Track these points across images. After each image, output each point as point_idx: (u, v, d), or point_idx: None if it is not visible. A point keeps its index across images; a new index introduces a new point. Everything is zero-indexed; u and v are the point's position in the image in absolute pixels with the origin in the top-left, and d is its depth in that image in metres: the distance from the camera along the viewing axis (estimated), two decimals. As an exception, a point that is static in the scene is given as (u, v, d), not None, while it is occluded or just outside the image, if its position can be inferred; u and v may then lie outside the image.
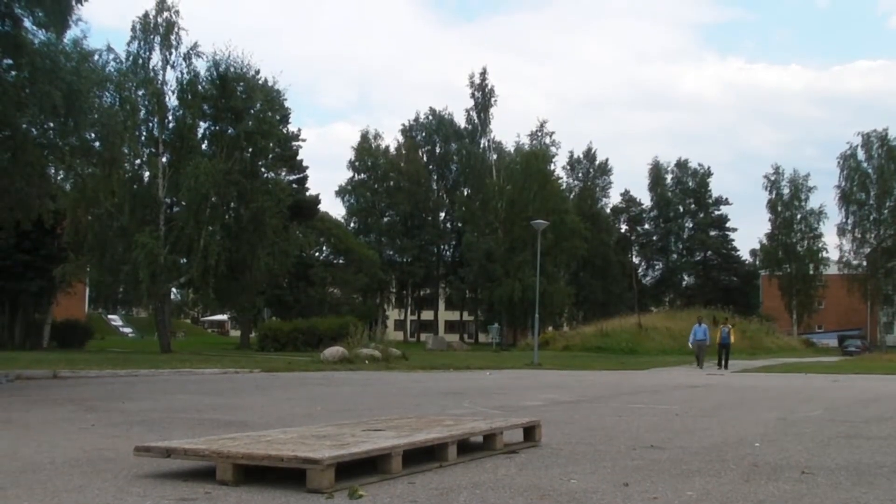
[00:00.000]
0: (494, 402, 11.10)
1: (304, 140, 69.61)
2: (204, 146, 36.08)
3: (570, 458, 5.60)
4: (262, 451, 4.39)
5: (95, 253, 33.74)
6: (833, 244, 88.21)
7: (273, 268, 37.12)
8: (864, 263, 64.48)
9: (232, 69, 36.03)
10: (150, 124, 34.80)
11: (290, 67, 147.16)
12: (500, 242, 57.52)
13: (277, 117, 39.03)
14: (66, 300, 43.14)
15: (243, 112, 35.62)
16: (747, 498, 4.31)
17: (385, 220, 69.10)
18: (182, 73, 35.29)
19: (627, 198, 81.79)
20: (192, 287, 38.77)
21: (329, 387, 14.14)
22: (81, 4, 17.19)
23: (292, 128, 50.92)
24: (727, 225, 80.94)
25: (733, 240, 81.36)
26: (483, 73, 66.58)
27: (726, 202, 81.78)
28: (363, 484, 4.31)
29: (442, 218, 72.88)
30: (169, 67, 34.96)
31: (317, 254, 56.32)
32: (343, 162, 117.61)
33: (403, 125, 74.49)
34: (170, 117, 35.14)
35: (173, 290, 41.52)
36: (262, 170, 37.65)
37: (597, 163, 75.62)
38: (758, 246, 73.46)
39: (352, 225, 67.82)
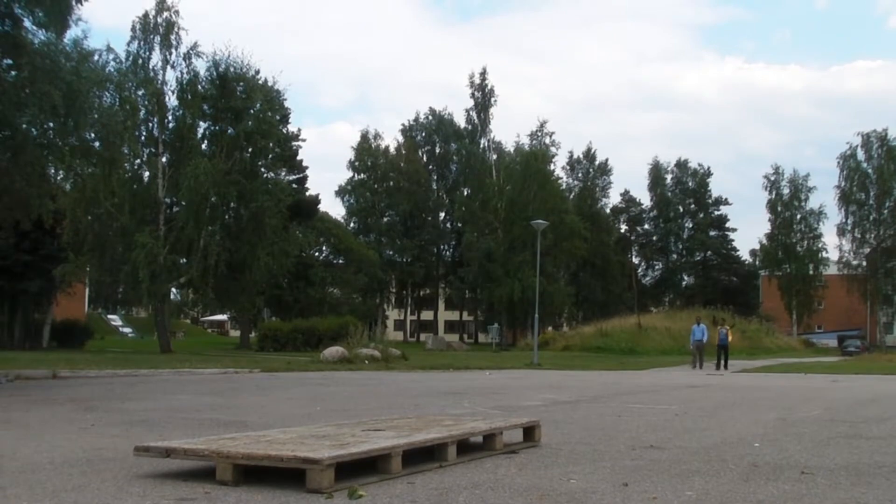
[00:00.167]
0: (494, 402, 11.10)
1: (303, 140, 69.74)
2: (204, 146, 36.08)
3: (570, 458, 5.60)
4: (262, 451, 4.39)
5: (95, 253, 33.74)
6: (833, 244, 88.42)
7: (273, 268, 37.11)
8: (864, 263, 64.50)
9: (232, 69, 36.03)
10: (150, 124, 34.81)
11: (290, 67, 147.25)
12: (500, 242, 57.52)
13: (277, 117, 39.04)
14: (66, 300, 43.12)
15: (243, 112, 35.60)
16: (747, 498, 4.31)
17: (385, 220, 69.09)
18: (182, 73, 35.31)
19: (627, 198, 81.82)
20: (192, 287, 38.76)
21: (329, 387, 14.15)
22: (81, 4, 17.19)
23: (292, 128, 50.99)
24: (727, 225, 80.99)
25: (733, 240, 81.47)
26: (483, 74, 66.66)
27: (726, 202, 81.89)
28: (363, 484, 4.31)
29: (442, 218, 72.88)
30: (169, 67, 34.98)
31: (316, 254, 56.31)
32: (343, 162, 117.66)
33: (403, 125, 74.58)
34: (169, 117, 35.14)
35: (173, 290, 41.47)
36: (262, 170, 37.63)
37: (596, 163, 75.63)
38: (757, 246, 73.52)
39: (351, 225, 67.80)
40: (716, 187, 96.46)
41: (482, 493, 4.28)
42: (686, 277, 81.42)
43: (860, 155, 64.69)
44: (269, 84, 37.58)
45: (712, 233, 80.00)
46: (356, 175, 69.31)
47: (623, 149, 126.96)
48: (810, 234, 69.29)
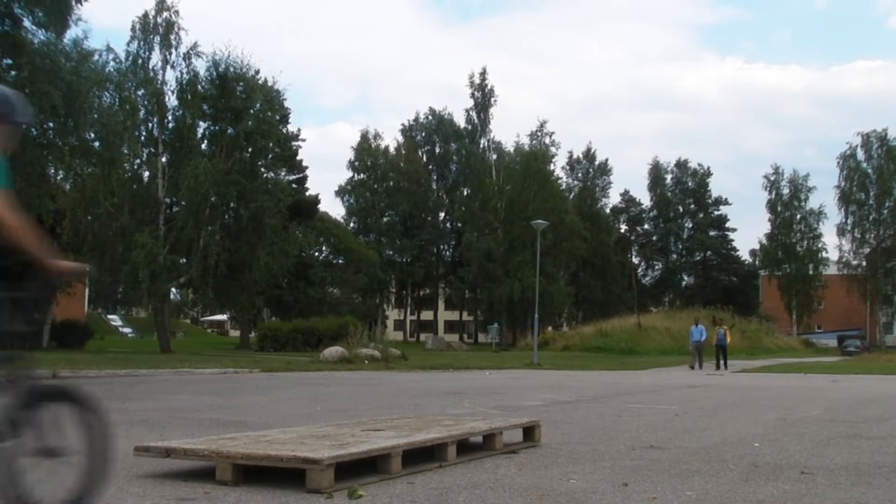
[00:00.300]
0: (494, 402, 11.10)
1: (303, 140, 69.69)
2: (203, 146, 36.07)
3: (570, 458, 5.60)
4: (262, 451, 4.39)
5: (95, 253, 33.72)
6: (832, 244, 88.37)
7: (272, 268, 37.10)
8: (864, 263, 64.50)
9: (231, 69, 36.02)
10: (150, 124, 34.80)
11: (290, 67, 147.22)
12: (500, 242, 57.52)
13: (277, 117, 39.03)
14: (66, 300, 43.07)
15: (243, 112, 35.59)
16: (746, 498, 4.31)
17: (385, 220, 69.09)
18: (182, 73, 35.31)
19: (627, 198, 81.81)
20: (192, 287, 38.77)
21: (329, 387, 14.14)
22: (81, 4, 17.25)
23: (292, 128, 50.96)
24: (727, 225, 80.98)
25: (733, 240, 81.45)
26: (483, 74, 66.65)
27: (726, 202, 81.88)
28: (363, 484, 4.31)
29: (441, 218, 72.88)
30: (168, 67, 34.98)
31: (316, 254, 56.31)
32: (343, 162, 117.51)
33: (403, 125, 74.57)
34: (169, 117, 35.14)
35: (173, 290, 41.51)
36: (262, 170, 37.64)
37: (596, 163, 75.63)
38: (757, 246, 73.54)
39: (351, 225, 67.80)
40: (716, 187, 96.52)
41: (482, 493, 4.28)
42: (686, 277, 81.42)
43: (860, 155, 64.74)
44: (269, 84, 37.58)
45: (712, 233, 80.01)
46: (356, 175, 69.32)
47: (623, 149, 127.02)
48: (810, 234, 69.31)
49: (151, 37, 34.73)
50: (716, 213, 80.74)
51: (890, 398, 13.40)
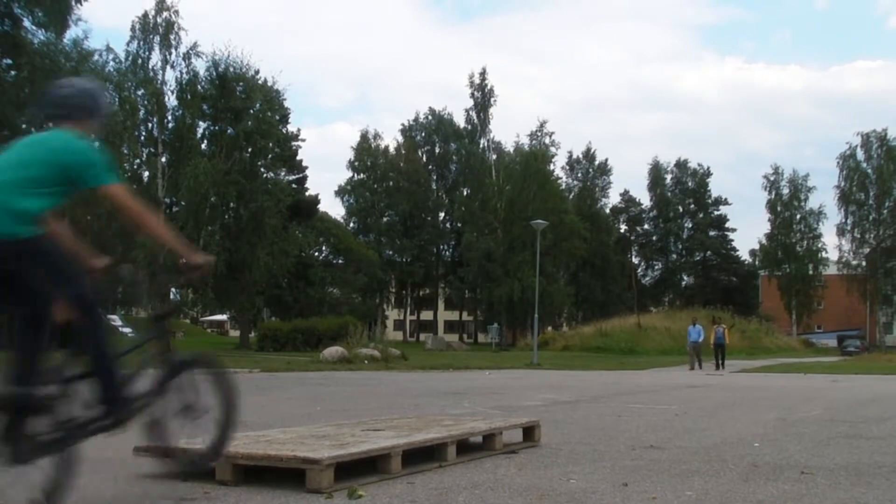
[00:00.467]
0: (494, 402, 11.10)
1: (303, 140, 69.56)
2: (203, 146, 36.12)
3: (570, 458, 5.60)
4: (262, 451, 4.39)
5: (94, 253, 33.77)
6: (832, 244, 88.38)
7: (272, 268, 37.14)
8: (864, 264, 64.52)
9: (231, 69, 36.06)
10: (150, 124, 34.86)
11: (290, 67, 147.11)
12: (500, 242, 57.54)
13: (277, 117, 39.06)
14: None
15: (243, 112, 35.62)
16: (746, 498, 4.31)
17: (384, 219, 69.09)
18: (181, 73, 35.38)
19: (627, 198, 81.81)
20: (192, 287, 38.78)
21: (328, 387, 14.14)
22: (81, 4, 17.28)
23: (292, 128, 50.92)
24: (726, 225, 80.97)
25: (733, 240, 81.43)
26: (483, 74, 66.64)
27: (726, 202, 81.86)
28: (362, 484, 4.31)
29: (441, 218, 72.88)
30: (168, 67, 35.07)
31: (316, 254, 56.33)
32: (342, 162, 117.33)
33: (403, 125, 74.54)
34: (169, 117, 35.19)
35: (172, 290, 41.51)
36: (262, 170, 37.68)
37: (596, 163, 75.62)
38: (757, 246, 73.56)
39: (351, 225, 67.80)
40: (715, 187, 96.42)
41: (482, 493, 4.28)
42: (686, 277, 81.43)
43: (860, 155, 64.78)
44: (269, 84, 37.61)
45: (712, 233, 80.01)
46: (356, 175, 69.32)
47: (623, 149, 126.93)
48: (810, 234, 69.32)
49: (151, 37, 34.80)
50: (716, 213, 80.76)
51: (890, 398, 13.40)
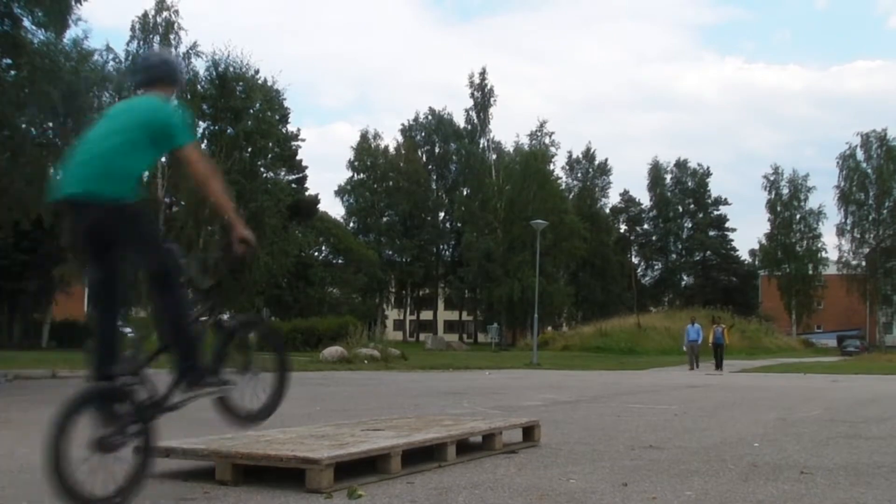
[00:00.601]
0: (493, 402, 11.11)
1: (303, 140, 69.57)
2: (203, 146, 36.11)
3: (569, 458, 5.60)
4: (261, 451, 4.39)
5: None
6: (832, 244, 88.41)
7: (272, 268, 37.14)
8: (863, 263, 64.52)
9: (231, 69, 36.10)
10: (150, 124, 34.85)
11: (290, 67, 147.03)
12: (500, 242, 57.53)
13: (277, 117, 39.08)
14: (65, 300, 43.10)
15: (242, 112, 35.63)
16: (746, 498, 4.31)
17: (384, 219, 69.09)
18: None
19: (627, 198, 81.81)
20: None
21: (328, 387, 14.14)
22: (81, 4, 17.21)
23: (291, 127, 50.94)
24: (726, 225, 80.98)
25: (732, 240, 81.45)
26: (482, 73, 66.65)
27: (725, 202, 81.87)
28: (362, 484, 4.31)
29: (441, 218, 72.87)
30: (168, 67, 35.03)
31: (316, 254, 56.32)
32: (342, 162, 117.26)
33: (403, 125, 74.55)
34: (169, 117, 35.19)
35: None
36: (262, 170, 37.69)
37: (596, 163, 75.63)
38: (757, 246, 73.56)
39: (351, 225, 67.79)
40: (715, 187, 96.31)
41: (481, 493, 4.28)
42: (685, 277, 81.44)
43: (859, 155, 64.78)
44: (269, 84, 37.61)
45: (712, 233, 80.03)
46: (356, 175, 69.31)
47: (623, 149, 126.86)
48: (810, 234, 69.33)
49: (151, 36, 34.81)
50: (715, 213, 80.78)
51: (890, 398, 13.40)
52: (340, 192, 69.34)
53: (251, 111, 35.80)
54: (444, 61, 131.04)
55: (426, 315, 77.39)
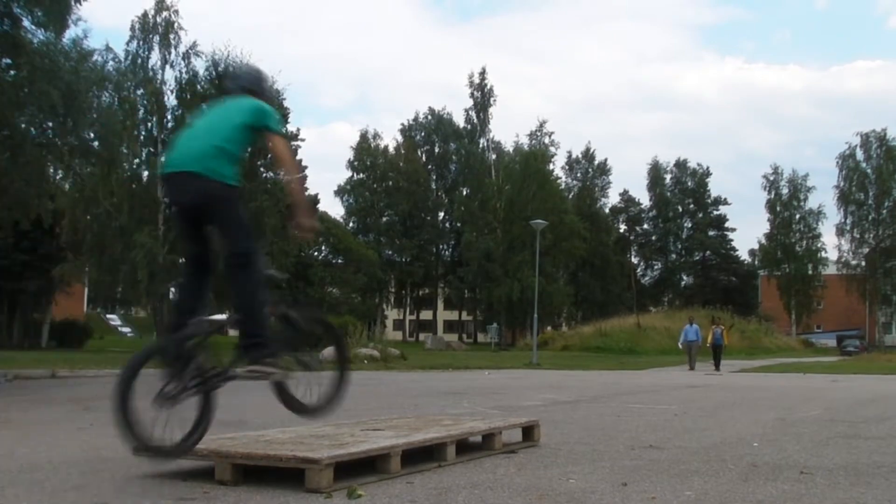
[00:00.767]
0: (493, 401, 11.10)
1: (303, 140, 69.55)
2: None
3: (569, 458, 5.60)
4: (261, 450, 4.39)
5: (94, 252, 33.75)
6: (832, 244, 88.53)
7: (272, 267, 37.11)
8: (863, 263, 64.57)
9: (231, 69, 36.04)
10: (149, 124, 34.83)
11: (289, 67, 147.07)
12: (499, 242, 57.55)
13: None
14: (65, 300, 43.11)
15: (242, 111, 35.60)
16: (746, 498, 4.31)
17: (384, 219, 69.13)
18: (181, 73, 35.36)
19: (626, 198, 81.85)
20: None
21: (328, 386, 14.11)
22: (80, 4, 17.21)
23: (291, 127, 50.88)
24: (726, 225, 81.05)
25: (732, 240, 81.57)
26: (482, 73, 66.74)
27: (725, 202, 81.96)
28: (362, 484, 4.31)
29: (441, 218, 72.90)
30: (168, 67, 35.05)
31: (315, 253, 56.32)
32: (342, 162, 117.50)
33: (402, 125, 74.61)
34: (169, 117, 35.17)
35: (172, 289, 41.48)
36: (261, 169, 37.65)
37: (596, 163, 75.70)
38: (756, 246, 73.63)
39: (351, 225, 67.83)
40: (715, 187, 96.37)
41: (481, 493, 4.28)
42: (685, 277, 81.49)
43: (859, 155, 64.85)
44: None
45: (711, 233, 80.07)
46: (355, 175, 69.35)
47: (623, 149, 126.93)
48: (809, 233, 69.38)
49: (151, 36, 34.80)
50: (715, 212, 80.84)
51: (889, 398, 13.41)
52: (340, 191, 69.42)
53: (251, 111, 35.85)
54: (444, 61, 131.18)
55: (426, 315, 77.42)
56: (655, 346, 43.55)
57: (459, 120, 70.20)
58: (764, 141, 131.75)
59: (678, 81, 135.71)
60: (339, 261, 58.39)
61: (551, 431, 6.97)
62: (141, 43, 34.59)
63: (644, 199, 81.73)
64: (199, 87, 35.51)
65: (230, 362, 4.36)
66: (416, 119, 73.91)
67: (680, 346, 28.62)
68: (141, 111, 34.03)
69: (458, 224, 68.77)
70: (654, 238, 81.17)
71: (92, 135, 18.19)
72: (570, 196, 69.53)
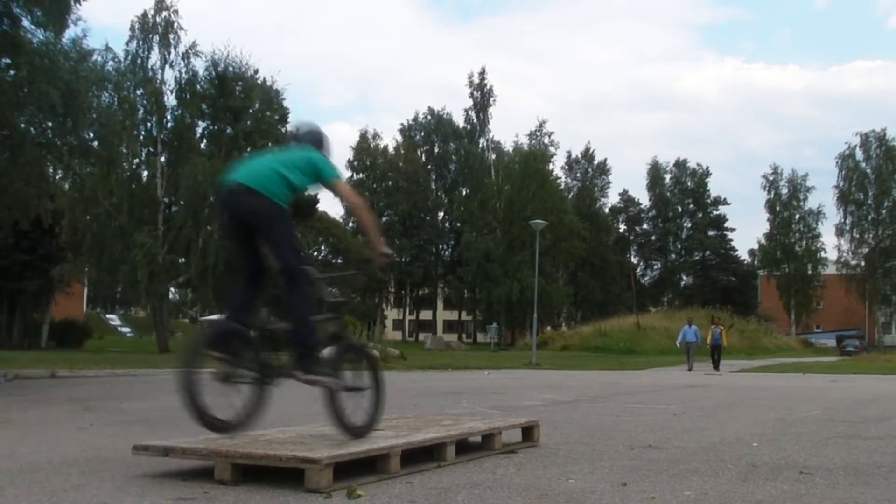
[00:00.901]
0: (493, 401, 11.11)
1: (302, 140, 69.64)
2: (202, 146, 36.07)
3: (569, 458, 5.60)
4: (261, 450, 4.39)
5: (94, 252, 33.72)
6: (831, 244, 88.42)
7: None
8: (863, 263, 64.59)
9: (230, 69, 36.05)
10: (149, 124, 34.77)
11: (289, 67, 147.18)
12: (499, 242, 57.56)
13: (276, 117, 38.99)
14: (65, 300, 43.11)
15: (242, 111, 35.58)
16: (745, 498, 4.32)
17: (384, 219, 69.10)
18: (181, 73, 35.30)
19: (626, 198, 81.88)
20: (191, 287, 38.76)
21: (327, 386, 14.11)
22: (80, 4, 17.18)
23: (291, 127, 50.99)
24: (726, 225, 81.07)
25: (732, 240, 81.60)
26: (482, 73, 66.77)
27: (725, 202, 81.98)
28: (361, 484, 4.31)
29: (440, 218, 72.90)
30: (167, 67, 34.98)
31: (315, 253, 56.30)
32: (342, 161, 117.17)
33: (402, 125, 74.62)
34: (168, 117, 35.12)
35: (171, 289, 41.50)
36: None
37: (595, 163, 75.71)
38: (756, 246, 73.65)
39: (350, 224, 67.79)
40: (715, 187, 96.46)
41: (481, 493, 4.28)
42: (685, 277, 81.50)
43: (859, 155, 64.87)
44: (268, 83, 37.56)
45: (711, 233, 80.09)
46: (355, 175, 69.34)
47: (622, 149, 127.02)
48: (809, 234, 69.40)
49: (150, 36, 34.73)
50: (715, 212, 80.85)
51: (889, 398, 13.41)
52: (340, 191, 69.33)
53: (251, 111, 35.76)
54: (444, 61, 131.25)
55: (425, 315, 77.42)
56: (655, 346, 43.55)
57: (459, 120, 70.34)
58: (764, 141, 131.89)
59: (678, 81, 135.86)
60: (339, 261, 58.38)
61: (551, 431, 6.97)
62: (140, 43, 34.54)
63: (644, 199, 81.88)
64: (198, 87, 35.46)
65: (287, 364, 4.94)
66: (415, 119, 74.00)
67: (678, 345, 28.63)
68: (140, 111, 33.98)
69: (458, 224, 68.79)
70: (653, 238, 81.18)
71: (91, 135, 18.18)
72: (570, 196, 69.56)
